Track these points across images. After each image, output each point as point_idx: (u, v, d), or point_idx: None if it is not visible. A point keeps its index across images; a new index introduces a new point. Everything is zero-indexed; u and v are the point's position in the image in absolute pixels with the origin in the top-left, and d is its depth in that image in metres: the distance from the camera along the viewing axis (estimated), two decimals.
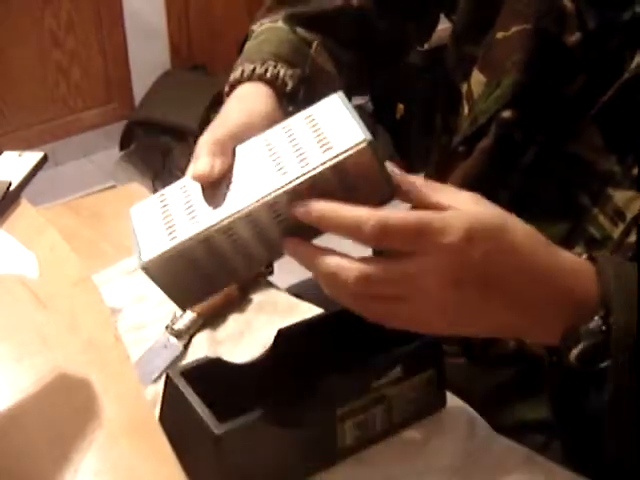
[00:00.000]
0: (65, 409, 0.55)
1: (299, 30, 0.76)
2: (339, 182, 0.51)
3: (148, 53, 2.74)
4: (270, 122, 0.61)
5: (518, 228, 0.54)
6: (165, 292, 0.53)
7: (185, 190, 0.55)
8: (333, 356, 0.56)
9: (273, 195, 0.50)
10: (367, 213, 0.50)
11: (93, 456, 0.52)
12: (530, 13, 0.69)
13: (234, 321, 0.75)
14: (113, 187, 2.38)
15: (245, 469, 0.55)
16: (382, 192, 0.52)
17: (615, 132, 0.65)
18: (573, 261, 0.56)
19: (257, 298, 0.77)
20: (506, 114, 0.71)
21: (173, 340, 0.72)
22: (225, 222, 0.51)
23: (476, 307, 0.52)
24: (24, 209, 0.77)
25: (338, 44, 0.79)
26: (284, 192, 0.50)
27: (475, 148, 0.74)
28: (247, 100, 0.68)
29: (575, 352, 0.54)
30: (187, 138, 2.49)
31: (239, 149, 0.56)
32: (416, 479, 0.60)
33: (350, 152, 0.50)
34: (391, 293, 0.51)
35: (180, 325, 0.72)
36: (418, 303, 0.51)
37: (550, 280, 0.54)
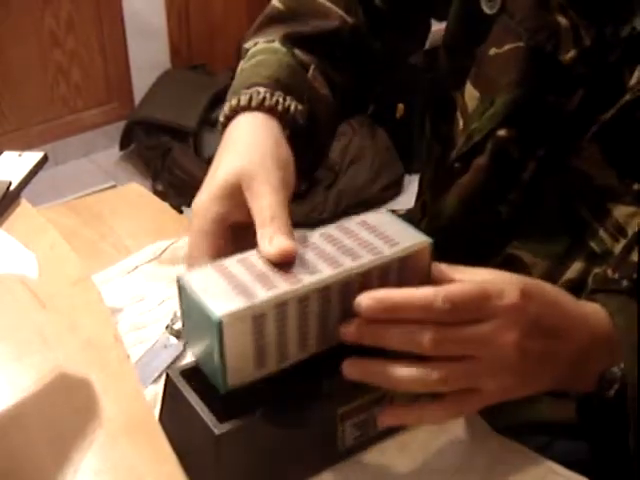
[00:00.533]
0: (65, 409, 0.55)
1: (297, 52, 0.74)
2: (397, 275, 0.55)
3: (148, 53, 2.74)
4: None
5: (547, 285, 0.59)
6: (223, 358, 0.51)
7: (246, 262, 0.55)
8: (333, 355, 0.56)
9: (349, 273, 0.53)
10: (433, 290, 0.53)
11: (93, 456, 0.52)
12: (523, 31, 0.68)
13: None
14: (113, 187, 2.38)
15: (245, 469, 0.55)
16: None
17: (615, 149, 0.65)
18: (592, 307, 0.60)
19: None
20: (501, 132, 0.71)
21: (173, 340, 0.72)
22: (303, 290, 0.52)
23: (540, 357, 0.55)
24: (24, 209, 0.77)
25: (333, 66, 0.77)
26: (358, 273, 0.54)
27: (471, 165, 0.74)
28: (275, 147, 0.64)
29: (612, 392, 0.57)
30: (187, 138, 2.49)
31: (298, 237, 0.57)
32: (416, 479, 0.60)
33: (416, 248, 0.56)
34: (467, 353, 0.53)
35: (180, 325, 0.72)
36: (494, 361, 0.54)
37: (586, 325, 0.58)
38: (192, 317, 0.53)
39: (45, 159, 0.82)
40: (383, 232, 0.57)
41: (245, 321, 0.51)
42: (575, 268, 0.68)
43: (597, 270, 0.67)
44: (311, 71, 0.74)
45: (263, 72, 0.70)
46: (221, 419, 0.53)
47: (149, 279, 0.77)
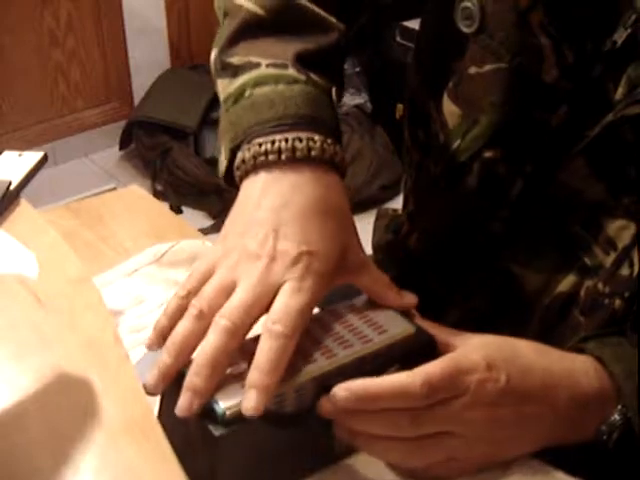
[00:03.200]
0: (64, 409, 0.55)
1: (313, 76, 0.64)
2: (386, 360, 0.57)
3: (148, 52, 2.74)
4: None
5: (526, 345, 0.59)
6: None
7: (243, 350, 0.56)
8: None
9: (343, 362, 0.55)
10: (408, 376, 0.53)
11: (93, 455, 0.52)
12: (504, 52, 0.67)
13: None
14: (113, 189, 2.38)
15: (243, 470, 0.55)
16: None
17: (602, 162, 0.65)
18: (580, 361, 0.60)
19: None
20: (488, 154, 0.70)
21: None
22: (300, 380, 0.54)
23: (516, 423, 0.56)
24: (24, 209, 0.77)
25: (335, 80, 0.68)
26: (352, 360, 0.56)
27: (458, 184, 0.73)
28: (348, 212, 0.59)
29: (612, 442, 0.57)
30: (187, 137, 2.49)
31: None
32: None
33: (403, 334, 0.58)
34: (442, 430, 0.54)
35: None
36: (469, 434, 0.55)
37: (571, 382, 0.58)
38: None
39: (45, 159, 0.82)
40: (371, 318, 0.59)
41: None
42: (567, 281, 0.68)
43: (589, 283, 0.67)
44: (333, 96, 0.65)
45: (295, 110, 0.60)
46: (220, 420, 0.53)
47: (149, 282, 0.77)
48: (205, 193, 2.38)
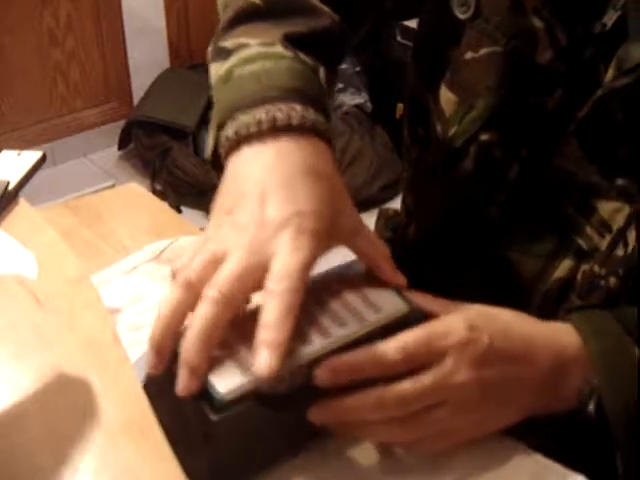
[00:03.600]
0: (64, 409, 0.55)
1: (301, 56, 0.65)
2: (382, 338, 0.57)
3: (147, 52, 2.74)
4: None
5: (506, 311, 0.60)
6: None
7: (241, 330, 0.56)
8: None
9: (335, 345, 0.55)
10: (383, 344, 0.54)
11: (92, 455, 0.52)
12: (500, 35, 0.68)
13: None
14: (112, 187, 2.38)
15: (239, 452, 0.55)
16: None
17: (594, 144, 0.66)
18: (563, 326, 0.61)
19: (256, 298, 0.77)
20: (485, 136, 0.71)
21: None
22: (294, 363, 0.53)
23: (502, 383, 0.57)
24: (22, 208, 0.77)
25: (328, 63, 0.70)
26: (346, 342, 0.55)
27: (455, 169, 0.74)
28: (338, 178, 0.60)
29: (592, 407, 0.58)
30: (186, 137, 2.49)
31: None
32: (411, 476, 0.60)
33: (396, 315, 0.58)
34: (431, 402, 0.55)
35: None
36: (457, 401, 0.55)
37: (552, 345, 0.59)
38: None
39: (44, 158, 0.82)
40: (365, 294, 0.59)
41: (248, 396, 0.52)
42: (564, 266, 0.69)
43: (585, 267, 0.68)
44: (321, 74, 0.66)
45: (279, 83, 0.60)
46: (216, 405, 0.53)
47: (148, 279, 0.77)
48: (204, 193, 2.38)
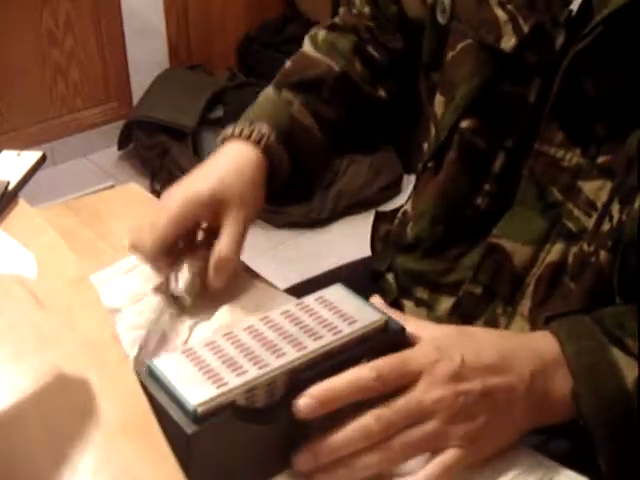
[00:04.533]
0: (63, 409, 0.55)
1: (284, 92, 0.86)
2: (358, 350, 0.59)
3: (146, 52, 2.74)
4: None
5: (479, 329, 0.64)
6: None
7: (215, 347, 0.58)
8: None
9: (313, 355, 0.57)
10: (358, 368, 0.57)
11: (91, 456, 0.52)
12: (468, 29, 0.74)
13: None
14: (112, 187, 2.38)
15: (218, 466, 0.55)
16: None
17: (573, 125, 0.68)
18: (540, 334, 0.62)
19: (255, 298, 0.77)
20: (465, 124, 0.75)
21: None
22: (271, 375, 0.55)
23: (486, 395, 0.57)
24: (22, 208, 0.77)
25: (320, 102, 0.86)
26: (322, 353, 0.57)
27: (443, 162, 0.77)
28: (253, 173, 0.77)
29: (586, 409, 0.58)
30: (185, 137, 2.49)
31: (258, 319, 0.61)
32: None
33: (374, 325, 0.60)
34: (411, 422, 0.56)
35: (179, 288, 0.72)
36: (444, 412, 0.56)
37: (530, 351, 0.60)
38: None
39: (43, 158, 0.82)
40: (341, 309, 0.61)
41: (220, 408, 0.54)
42: (555, 250, 0.70)
43: (575, 249, 0.69)
44: (295, 105, 0.85)
45: (254, 110, 0.85)
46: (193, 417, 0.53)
47: (147, 279, 0.77)
48: None
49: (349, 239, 2.21)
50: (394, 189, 2.50)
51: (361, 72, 0.89)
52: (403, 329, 0.61)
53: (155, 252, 0.71)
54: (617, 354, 0.59)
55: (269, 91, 0.87)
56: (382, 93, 0.91)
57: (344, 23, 0.92)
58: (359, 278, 0.92)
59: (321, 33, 0.92)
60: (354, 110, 0.89)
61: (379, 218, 0.95)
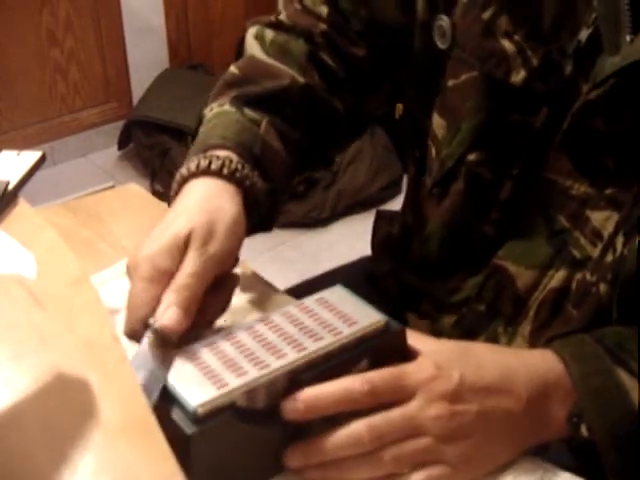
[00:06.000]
0: (63, 409, 0.55)
1: (246, 111, 0.76)
2: (357, 352, 0.59)
3: (146, 52, 2.74)
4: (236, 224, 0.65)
5: (480, 345, 0.63)
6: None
7: (215, 348, 0.58)
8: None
9: (313, 356, 0.57)
10: (351, 379, 0.56)
11: (91, 456, 0.52)
12: (473, 61, 0.71)
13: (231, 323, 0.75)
14: (111, 187, 2.38)
15: (218, 467, 0.55)
16: None
17: (582, 156, 0.67)
18: (542, 354, 0.62)
19: (255, 299, 0.77)
20: (472, 157, 0.73)
21: None
22: (271, 376, 0.55)
23: (483, 416, 0.57)
24: (22, 208, 0.77)
25: (285, 121, 0.78)
26: (322, 354, 0.57)
27: (449, 190, 0.76)
28: (229, 213, 0.66)
29: (584, 430, 0.58)
30: (185, 137, 2.49)
31: (258, 320, 0.61)
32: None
33: (373, 326, 0.60)
34: (402, 435, 0.56)
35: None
36: (438, 432, 0.56)
37: (529, 370, 0.60)
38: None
39: (43, 158, 0.82)
40: (341, 310, 0.61)
41: (221, 409, 0.54)
42: (559, 276, 0.69)
43: (579, 276, 0.68)
44: (263, 125, 0.75)
45: (214, 133, 0.74)
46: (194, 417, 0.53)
47: None
48: None
49: (349, 239, 2.21)
50: (394, 189, 2.50)
51: (319, 83, 0.81)
52: (403, 330, 0.61)
53: (132, 333, 0.63)
54: (623, 376, 0.59)
55: (226, 109, 0.77)
56: (338, 105, 0.83)
57: (294, 24, 0.83)
58: (359, 278, 0.92)
59: (268, 33, 0.83)
60: (315, 127, 0.82)
61: (380, 218, 0.94)
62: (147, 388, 0.56)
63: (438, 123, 0.77)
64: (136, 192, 0.93)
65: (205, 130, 0.76)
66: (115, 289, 0.76)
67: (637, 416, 0.57)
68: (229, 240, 0.63)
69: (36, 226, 0.75)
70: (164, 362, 0.57)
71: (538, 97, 0.68)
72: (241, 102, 0.77)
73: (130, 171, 2.64)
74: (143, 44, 2.73)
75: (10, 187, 0.76)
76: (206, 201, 0.66)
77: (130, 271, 0.63)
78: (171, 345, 0.58)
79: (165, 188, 2.47)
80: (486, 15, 0.69)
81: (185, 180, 0.69)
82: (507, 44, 0.68)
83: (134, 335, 0.61)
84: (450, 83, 0.74)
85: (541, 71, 0.67)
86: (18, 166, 0.79)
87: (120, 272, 0.78)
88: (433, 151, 0.78)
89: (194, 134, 0.79)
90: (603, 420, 0.58)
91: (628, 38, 0.61)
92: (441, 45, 0.75)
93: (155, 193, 2.46)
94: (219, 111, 0.77)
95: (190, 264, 0.61)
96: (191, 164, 0.69)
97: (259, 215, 0.73)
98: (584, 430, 0.58)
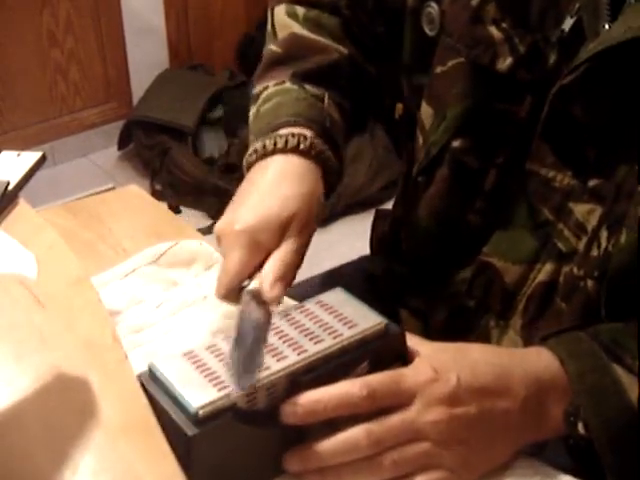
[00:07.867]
0: (63, 409, 0.55)
1: (308, 87, 0.80)
2: (358, 353, 0.59)
3: (146, 52, 2.74)
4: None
5: (475, 346, 0.63)
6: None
7: (216, 350, 0.59)
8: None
9: (313, 358, 0.57)
10: (350, 383, 0.56)
11: (91, 456, 0.52)
12: (462, 47, 0.72)
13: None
14: (112, 189, 2.38)
15: (218, 468, 0.55)
16: None
17: (564, 148, 0.67)
18: (537, 353, 0.62)
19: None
20: (456, 143, 0.74)
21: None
22: (271, 378, 0.56)
23: (482, 417, 0.57)
24: (22, 209, 0.77)
25: (341, 94, 0.82)
26: (322, 356, 0.58)
27: (434, 177, 0.77)
28: (315, 189, 0.71)
29: (581, 428, 0.58)
30: (185, 137, 2.49)
31: None
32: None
33: (373, 329, 0.60)
34: (402, 440, 0.56)
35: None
36: (437, 436, 0.56)
37: (524, 368, 0.60)
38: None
39: (43, 159, 0.82)
40: (341, 313, 0.61)
41: (222, 411, 0.54)
42: (546, 270, 0.70)
43: (566, 269, 0.68)
44: (326, 101, 0.79)
45: (283, 111, 0.76)
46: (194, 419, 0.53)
47: (147, 282, 0.77)
48: (203, 193, 2.38)
49: (349, 239, 2.21)
50: (394, 189, 2.49)
51: (356, 52, 0.85)
52: (403, 333, 0.61)
53: (227, 295, 0.67)
54: (619, 372, 0.59)
55: (287, 87, 0.79)
56: (373, 71, 0.87)
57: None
58: (358, 278, 0.92)
59: (299, 10, 0.85)
60: (360, 94, 0.86)
61: (378, 217, 0.94)
62: (244, 335, 0.58)
63: (426, 111, 0.77)
64: (136, 193, 0.93)
65: (268, 108, 0.78)
66: (115, 291, 0.76)
67: (634, 413, 0.58)
68: (317, 222, 0.71)
69: (36, 226, 0.75)
70: (263, 317, 0.60)
71: (523, 86, 0.69)
72: (300, 79, 0.80)
73: (130, 171, 2.64)
74: (143, 44, 2.73)
75: (10, 187, 0.76)
76: (298, 183, 0.70)
77: (224, 239, 0.67)
78: (264, 305, 0.62)
79: (165, 188, 2.47)
80: (475, 2, 0.70)
81: (260, 157, 0.73)
82: (495, 31, 0.69)
83: (228, 296, 0.66)
84: (437, 70, 0.75)
85: (527, 59, 0.68)
86: (18, 166, 0.79)
87: (121, 273, 0.78)
88: (420, 140, 0.79)
89: (246, 112, 0.83)
90: (600, 417, 0.58)
91: (607, 26, 0.62)
92: (429, 32, 0.75)
93: (155, 193, 2.46)
94: (279, 89, 0.79)
95: (294, 244, 0.66)
96: (267, 141, 0.72)
97: (330, 188, 0.76)
98: (581, 427, 0.58)
